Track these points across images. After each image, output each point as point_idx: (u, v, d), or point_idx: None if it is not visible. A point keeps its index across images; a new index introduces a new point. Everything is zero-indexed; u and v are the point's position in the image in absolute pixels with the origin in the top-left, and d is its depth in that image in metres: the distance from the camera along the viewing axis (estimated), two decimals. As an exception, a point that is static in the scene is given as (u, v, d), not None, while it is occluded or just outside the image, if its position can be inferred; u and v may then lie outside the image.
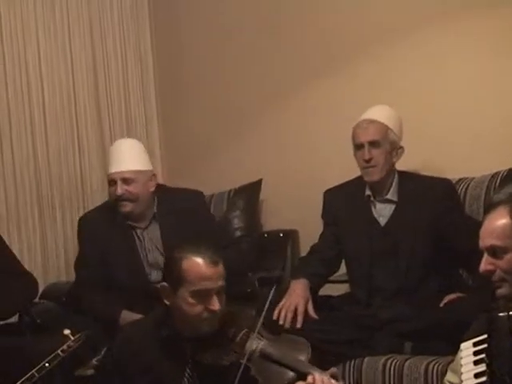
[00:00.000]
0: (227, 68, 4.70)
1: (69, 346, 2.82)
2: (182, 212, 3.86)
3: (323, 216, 3.74)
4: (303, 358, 2.80)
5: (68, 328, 2.91)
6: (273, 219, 4.47)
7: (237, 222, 4.34)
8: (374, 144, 3.47)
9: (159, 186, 3.96)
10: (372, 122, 3.50)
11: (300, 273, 3.58)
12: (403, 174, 3.56)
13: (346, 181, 3.70)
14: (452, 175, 3.65)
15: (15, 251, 3.95)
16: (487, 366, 2.28)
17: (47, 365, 2.78)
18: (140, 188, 3.81)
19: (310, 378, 2.59)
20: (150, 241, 3.86)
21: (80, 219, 4.04)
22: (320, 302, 3.50)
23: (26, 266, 3.92)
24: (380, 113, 3.54)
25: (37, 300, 3.93)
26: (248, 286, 3.88)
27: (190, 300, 2.67)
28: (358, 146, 3.51)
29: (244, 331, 2.79)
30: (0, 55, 4.33)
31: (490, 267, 2.47)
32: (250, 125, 4.66)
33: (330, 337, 3.30)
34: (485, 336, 2.32)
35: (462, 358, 2.37)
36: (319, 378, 2.58)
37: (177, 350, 2.73)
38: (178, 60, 4.93)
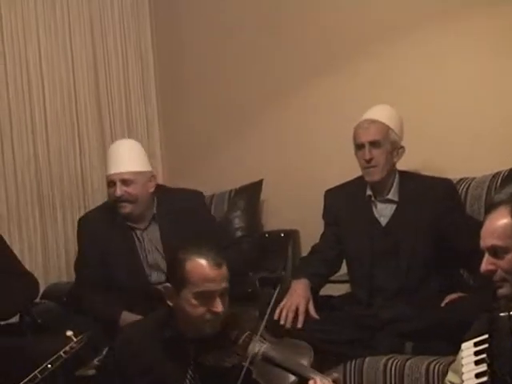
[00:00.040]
0: (228, 67, 4.70)
1: (71, 348, 2.82)
2: (181, 212, 3.85)
3: (324, 216, 3.73)
4: (305, 362, 2.80)
5: (69, 328, 2.91)
6: (274, 219, 4.47)
7: (238, 222, 4.34)
8: (374, 144, 3.47)
9: (159, 187, 3.95)
10: (373, 121, 3.50)
11: (301, 273, 3.57)
12: (404, 174, 3.56)
13: (347, 181, 3.69)
14: (453, 175, 3.65)
15: (16, 251, 3.95)
16: (488, 365, 2.28)
17: (49, 366, 2.78)
18: (139, 189, 3.80)
19: (311, 383, 2.60)
20: (150, 242, 3.85)
21: (80, 219, 4.04)
22: (321, 302, 3.50)
23: (27, 266, 3.92)
24: (381, 113, 3.53)
25: (38, 300, 3.92)
26: (249, 286, 3.89)
27: (193, 301, 2.67)
28: (359, 146, 3.51)
29: (247, 333, 2.79)
30: (1, 54, 4.33)
31: (491, 267, 2.48)
32: (251, 124, 4.65)
33: (330, 337, 3.30)
34: (486, 336, 2.32)
35: (462, 358, 2.38)
36: (321, 383, 2.58)
37: (179, 351, 2.73)
38: (178, 58, 4.93)
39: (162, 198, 3.91)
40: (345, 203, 3.63)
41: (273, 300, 3.01)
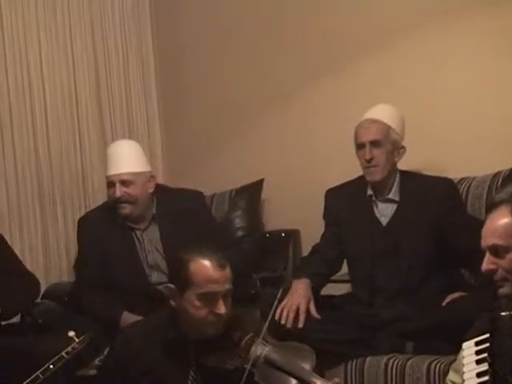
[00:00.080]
0: (228, 69, 4.70)
1: (73, 348, 2.82)
2: (181, 213, 3.85)
3: (325, 216, 3.73)
4: (307, 365, 2.80)
5: (71, 329, 2.91)
6: (274, 219, 4.47)
7: (238, 222, 4.34)
8: (375, 144, 3.46)
9: (158, 187, 3.94)
10: (374, 121, 3.50)
11: (302, 273, 3.57)
12: (405, 174, 3.56)
13: (348, 180, 3.69)
14: (454, 174, 3.65)
15: (17, 251, 3.96)
16: (489, 365, 2.28)
17: (51, 366, 2.78)
18: (139, 190, 3.80)
19: None
20: (150, 242, 3.85)
21: (80, 219, 4.04)
22: (322, 302, 3.50)
23: (28, 266, 3.92)
24: (382, 112, 3.53)
25: (39, 300, 3.92)
26: (251, 287, 3.88)
27: (197, 303, 2.68)
28: (360, 146, 3.50)
29: (249, 336, 2.80)
30: (2, 56, 4.32)
31: (491, 266, 2.48)
32: (252, 125, 4.66)
33: (331, 336, 3.30)
34: (487, 335, 2.32)
35: (464, 358, 2.38)
36: None
37: (181, 352, 2.72)
38: (179, 61, 4.93)
39: (162, 198, 3.91)
40: (345, 203, 3.63)
41: (275, 303, 3.03)
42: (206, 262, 2.69)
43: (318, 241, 3.72)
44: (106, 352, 3.41)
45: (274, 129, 4.55)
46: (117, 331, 3.43)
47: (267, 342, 2.83)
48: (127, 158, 3.84)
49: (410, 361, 3.14)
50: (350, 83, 4.23)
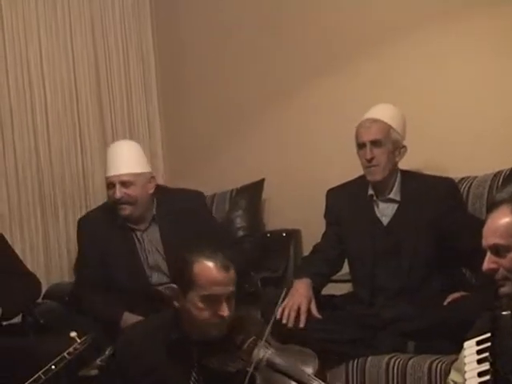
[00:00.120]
0: (229, 67, 4.71)
1: (75, 349, 2.82)
2: (181, 213, 3.84)
3: (326, 216, 3.73)
4: (310, 370, 2.80)
5: (72, 329, 2.91)
6: (275, 219, 4.47)
7: (239, 222, 4.34)
8: (376, 143, 3.46)
9: (158, 187, 3.93)
10: (375, 121, 3.49)
11: (303, 272, 3.56)
12: (406, 174, 3.56)
13: (349, 180, 3.69)
14: (454, 174, 3.65)
15: (18, 251, 3.96)
16: (491, 364, 2.28)
17: (53, 367, 2.78)
18: (139, 191, 3.78)
19: None
20: (150, 243, 3.84)
21: (80, 220, 4.03)
22: (323, 302, 3.49)
23: (29, 266, 3.92)
24: (383, 112, 3.53)
25: (40, 300, 3.92)
26: (251, 286, 3.88)
27: (200, 304, 2.67)
28: (361, 146, 3.50)
29: (252, 339, 2.79)
30: (2, 54, 4.33)
31: (492, 266, 2.48)
32: (252, 124, 4.66)
33: (333, 336, 3.30)
34: (488, 334, 2.32)
35: (465, 357, 2.38)
36: None
37: (184, 353, 2.72)
38: (179, 59, 4.93)
39: (162, 198, 3.89)
40: (346, 203, 3.63)
41: (279, 304, 3.03)
42: (211, 264, 2.69)
43: (318, 240, 3.71)
44: (107, 352, 3.41)
45: (274, 128, 4.56)
46: (117, 331, 3.44)
47: (270, 344, 2.82)
48: (127, 159, 3.82)
49: (412, 360, 3.14)
50: (350, 82, 4.23)
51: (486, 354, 2.30)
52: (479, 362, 2.32)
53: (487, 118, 3.78)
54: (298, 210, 4.31)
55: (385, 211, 3.53)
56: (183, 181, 4.56)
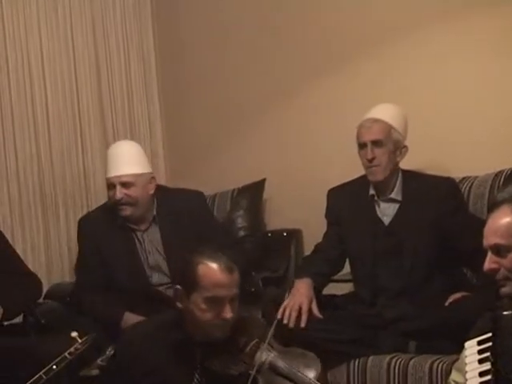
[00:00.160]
0: (229, 67, 4.71)
1: (76, 349, 2.81)
2: (182, 213, 3.83)
3: (327, 215, 3.73)
4: (312, 374, 2.80)
5: (73, 329, 2.91)
6: (276, 218, 4.46)
7: (240, 222, 4.34)
8: (376, 143, 3.46)
9: (159, 187, 3.92)
10: (376, 121, 3.49)
11: (304, 272, 3.56)
12: (407, 173, 3.55)
13: (350, 180, 3.69)
14: (455, 174, 3.65)
15: (19, 251, 3.94)
16: (492, 364, 2.29)
17: (54, 367, 2.77)
18: (139, 191, 3.77)
19: None
20: (151, 243, 3.83)
21: (80, 220, 4.01)
22: (324, 301, 3.49)
23: (30, 267, 3.92)
24: (384, 111, 3.52)
25: (41, 300, 3.91)
26: (252, 285, 3.88)
27: (203, 306, 2.67)
28: (362, 146, 3.50)
29: (254, 341, 2.79)
30: (3, 54, 4.33)
31: (493, 266, 2.49)
32: (252, 124, 4.66)
33: (334, 336, 3.30)
34: (489, 334, 2.32)
35: (466, 357, 2.38)
36: None
37: (187, 354, 2.72)
38: (180, 59, 4.93)
39: (162, 198, 3.88)
40: (347, 202, 3.62)
41: (279, 312, 3.02)
42: (215, 266, 2.68)
43: (320, 240, 3.71)
44: (108, 352, 3.42)
45: (274, 128, 4.56)
46: (118, 331, 3.44)
47: (272, 347, 2.82)
48: (127, 160, 3.80)
49: (413, 360, 3.15)
50: (350, 82, 4.23)
51: (487, 354, 2.31)
52: (480, 361, 2.32)
53: (488, 117, 3.78)
54: (299, 210, 4.31)
55: (386, 211, 3.53)
56: (184, 181, 4.56)
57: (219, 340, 2.70)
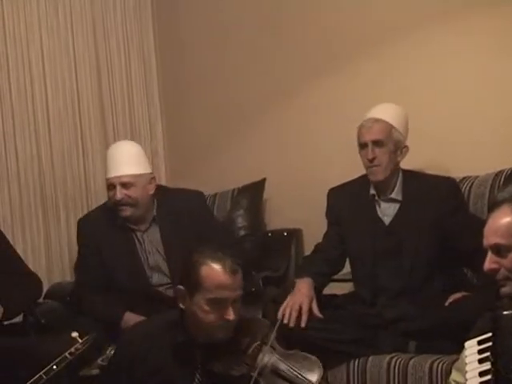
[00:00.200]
0: (229, 68, 4.71)
1: (76, 349, 2.81)
2: (182, 213, 3.83)
3: (327, 215, 3.73)
4: (315, 377, 2.79)
5: (73, 329, 2.91)
6: (277, 218, 4.46)
7: (240, 221, 4.34)
8: (377, 143, 3.46)
9: (159, 187, 3.91)
10: (376, 120, 3.49)
11: (304, 272, 3.56)
12: (407, 173, 3.55)
13: (350, 180, 3.69)
14: (456, 174, 3.66)
15: (19, 251, 3.94)
16: (492, 364, 2.28)
17: (55, 367, 2.77)
18: (139, 192, 3.76)
19: None
20: (151, 243, 3.82)
21: (79, 220, 4.01)
22: (324, 301, 3.49)
23: (31, 266, 3.92)
24: (385, 111, 3.52)
25: (41, 300, 3.91)
26: (252, 285, 3.88)
27: (205, 307, 2.65)
28: (362, 145, 3.50)
29: (257, 343, 2.78)
30: (3, 55, 4.33)
31: (494, 266, 2.49)
32: (253, 124, 4.66)
33: (334, 336, 3.31)
34: (489, 334, 2.32)
35: (466, 357, 2.38)
36: None
37: (188, 354, 2.71)
38: (180, 60, 4.93)
39: (162, 199, 3.88)
40: (348, 202, 3.62)
41: (279, 312, 3.02)
42: (218, 267, 2.66)
43: (320, 240, 3.71)
44: (108, 351, 3.42)
45: (274, 128, 4.56)
46: (119, 331, 3.44)
47: (275, 349, 2.81)
48: (127, 160, 3.79)
49: (413, 360, 3.15)
50: (350, 82, 4.23)
51: (487, 354, 2.30)
52: (480, 361, 2.32)
53: (488, 117, 3.78)
54: (299, 210, 4.31)
55: (386, 211, 3.53)
56: (184, 180, 4.56)
57: (221, 341, 2.69)
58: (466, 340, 2.41)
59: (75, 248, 4.11)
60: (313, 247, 3.76)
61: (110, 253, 3.80)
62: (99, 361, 3.41)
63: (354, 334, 3.32)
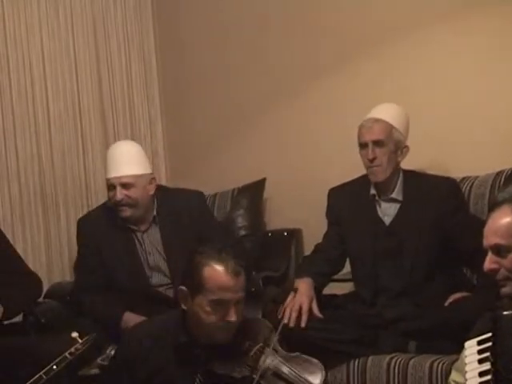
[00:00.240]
0: (229, 67, 4.71)
1: (76, 349, 2.80)
2: (182, 213, 3.83)
3: (327, 215, 3.72)
4: (317, 381, 2.79)
5: (73, 328, 2.91)
6: (277, 218, 4.46)
7: (241, 221, 4.33)
8: (377, 143, 3.45)
9: (159, 188, 3.91)
10: (377, 120, 3.49)
11: (304, 272, 3.56)
12: (408, 173, 3.55)
13: (351, 179, 3.69)
14: (456, 174, 3.66)
15: (19, 251, 3.94)
16: (491, 364, 2.28)
17: (55, 367, 2.76)
18: (140, 192, 3.75)
19: None
20: (151, 244, 3.82)
21: (79, 220, 4.00)
22: (324, 301, 3.49)
23: (31, 266, 3.92)
24: (386, 111, 3.52)
25: (41, 299, 3.91)
26: (252, 285, 3.88)
27: (207, 308, 2.65)
28: (363, 145, 3.50)
29: (259, 346, 2.77)
30: (4, 56, 4.33)
31: (494, 266, 2.48)
32: (253, 124, 4.66)
33: (334, 336, 3.30)
34: (489, 334, 2.32)
35: (466, 357, 2.38)
36: None
37: (190, 355, 2.70)
38: (181, 59, 4.93)
39: (163, 199, 3.87)
40: (348, 202, 3.62)
41: (279, 312, 3.00)
42: (221, 269, 2.65)
43: (320, 240, 3.71)
44: (108, 351, 3.42)
45: (274, 128, 4.56)
46: (118, 331, 3.44)
47: (277, 351, 2.80)
48: (127, 160, 3.78)
49: (413, 360, 3.14)
50: (350, 82, 4.23)
51: (487, 354, 2.30)
52: (480, 361, 2.32)
53: (488, 117, 3.78)
54: (299, 210, 4.31)
55: (387, 211, 3.53)
56: (185, 180, 4.57)
57: (223, 342, 2.69)
58: (465, 340, 2.41)
59: (75, 247, 4.11)
60: (313, 247, 3.76)
61: (109, 253, 3.80)
62: (99, 360, 3.41)
63: (354, 334, 3.32)
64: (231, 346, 2.71)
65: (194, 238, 3.69)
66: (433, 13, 3.93)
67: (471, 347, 2.37)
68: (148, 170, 3.86)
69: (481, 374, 2.30)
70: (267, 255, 4.23)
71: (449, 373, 2.68)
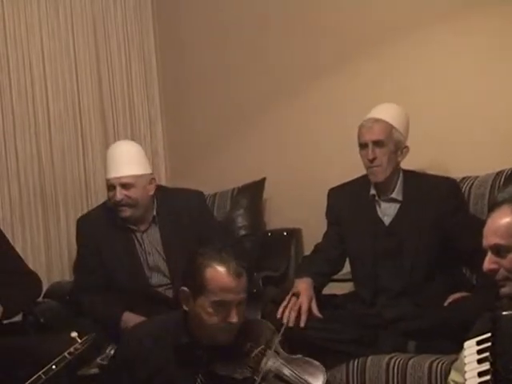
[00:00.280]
0: (229, 67, 4.71)
1: (76, 349, 2.80)
2: (181, 213, 3.82)
3: (327, 215, 3.72)
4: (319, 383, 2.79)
5: (72, 328, 2.91)
6: (276, 218, 4.46)
7: (240, 221, 4.33)
8: (377, 144, 3.45)
9: (159, 187, 3.90)
10: (377, 121, 3.49)
11: (304, 271, 3.56)
12: (408, 173, 3.55)
13: (351, 180, 3.69)
14: (456, 174, 3.65)
15: (19, 250, 3.94)
16: (491, 364, 2.28)
17: (54, 367, 2.76)
18: (139, 192, 3.75)
19: None
20: (150, 244, 3.82)
21: (78, 220, 4.00)
22: (324, 301, 3.49)
23: (30, 266, 3.92)
24: (386, 111, 3.52)
25: (40, 299, 3.91)
26: (252, 285, 3.87)
27: (209, 310, 2.65)
28: (363, 146, 3.49)
29: (261, 348, 2.77)
30: (4, 56, 4.34)
31: (493, 266, 2.48)
32: (253, 124, 4.66)
33: (333, 335, 3.30)
34: (488, 334, 2.32)
35: (465, 357, 2.37)
36: None
37: (191, 356, 2.70)
38: (181, 59, 4.93)
39: (162, 199, 3.87)
40: (348, 202, 3.62)
41: (279, 312, 2.99)
42: (223, 270, 2.65)
43: (320, 240, 3.71)
44: (107, 351, 3.42)
45: (274, 128, 4.56)
46: (118, 331, 3.44)
47: (278, 353, 2.80)
48: (127, 161, 3.78)
49: (412, 360, 3.14)
50: (350, 82, 4.23)
51: (487, 354, 2.30)
52: (479, 361, 2.32)
53: (488, 117, 3.78)
54: (299, 210, 4.31)
55: (387, 211, 3.53)
56: (184, 180, 4.57)
57: (224, 344, 2.69)
58: (465, 340, 2.41)
59: (75, 247, 4.11)
60: (313, 247, 3.76)
61: (109, 253, 3.80)
62: (98, 360, 3.41)
63: (353, 334, 3.32)
64: (233, 348, 2.71)
65: (194, 238, 3.69)
66: (433, 13, 3.93)
67: (470, 347, 2.37)
68: (148, 170, 3.86)
69: (480, 374, 2.30)
70: (267, 255, 4.23)
71: (448, 373, 2.68)
